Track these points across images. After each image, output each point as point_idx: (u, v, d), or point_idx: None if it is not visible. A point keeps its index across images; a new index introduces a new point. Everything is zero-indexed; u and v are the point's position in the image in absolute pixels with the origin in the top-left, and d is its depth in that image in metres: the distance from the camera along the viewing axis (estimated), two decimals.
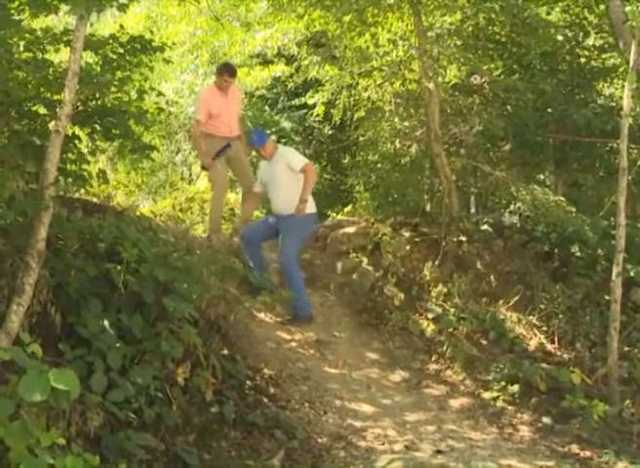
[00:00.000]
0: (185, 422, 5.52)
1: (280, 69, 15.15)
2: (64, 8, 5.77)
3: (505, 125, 10.73)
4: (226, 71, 9.49)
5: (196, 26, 14.54)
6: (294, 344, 7.93)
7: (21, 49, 6.08)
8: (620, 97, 9.45)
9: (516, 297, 9.13)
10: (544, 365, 8.03)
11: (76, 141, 6.41)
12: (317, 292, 9.04)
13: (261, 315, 8.26)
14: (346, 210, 12.18)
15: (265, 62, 15.76)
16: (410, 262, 9.51)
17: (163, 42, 6.82)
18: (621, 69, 10.42)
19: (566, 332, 8.81)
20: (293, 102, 16.70)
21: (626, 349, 8.41)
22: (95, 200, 9.29)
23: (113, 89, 6.47)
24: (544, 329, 8.88)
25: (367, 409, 6.90)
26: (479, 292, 9.29)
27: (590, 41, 11.47)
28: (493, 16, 10.64)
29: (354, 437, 6.21)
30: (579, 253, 9.52)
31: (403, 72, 10.84)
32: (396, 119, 11.10)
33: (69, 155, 6.32)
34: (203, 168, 9.71)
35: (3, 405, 3.90)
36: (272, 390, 6.64)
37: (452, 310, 8.77)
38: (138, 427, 5.03)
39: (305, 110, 14.94)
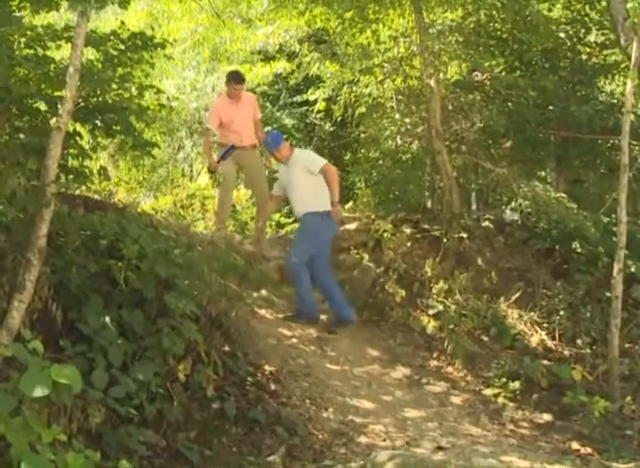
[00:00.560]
0: (186, 418, 5.53)
1: (281, 66, 15.16)
2: (65, 4, 5.77)
3: (507, 122, 10.73)
4: (233, 79, 9.54)
5: (197, 23, 14.53)
6: (295, 341, 7.93)
7: (22, 45, 6.09)
8: (622, 94, 9.45)
9: (517, 294, 9.13)
10: (545, 361, 8.05)
11: (77, 138, 6.41)
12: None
13: (262, 311, 8.27)
14: (347, 206, 12.17)
15: (267, 59, 15.76)
16: (411, 259, 9.51)
17: (164, 38, 6.83)
18: (623, 66, 10.39)
19: (567, 329, 8.81)
20: (294, 99, 16.70)
21: (627, 346, 8.42)
22: (96, 197, 9.28)
23: (114, 85, 6.47)
24: (545, 325, 8.88)
25: (368, 405, 6.90)
26: (480, 288, 9.29)
27: (592, 38, 11.45)
28: (494, 12, 10.66)
29: (355, 433, 6.21)
30: (580, 250, 9.52)
31: (404, 69, 10.84)
32: (397, 116, 11.09)
33: (70, 152, 6.32)
34: (209, 171, 9.72)
35: (5, 401, 3.91)
36: (273, 386, 6.64)
37: (453, 307, 8.76)
38: (139, 423, 5.04)
39: (307, 107, 14.94)
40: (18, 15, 5.79)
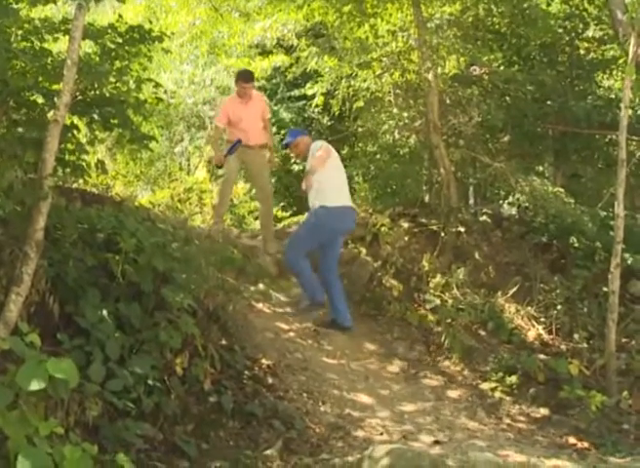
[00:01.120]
0: (184, 412, 5.53)
1: (280, 60, 15.15)
2: None
3: (504, 116, 10.75)
4: (241, 77, 9.55)
5: (195, 17, 14.52)
6: (292, 334, 7.94)
7: (20, 38, 6.07)
8: (620, 89, 9.45)
9: (514, 288, 9.13)
10: (542, 356, 8.05)
11: (75, 131, 6.40)
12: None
13: (260, 305, 8.27)
14: None
15: (264, 53, 15.75)
16: (408, 253, 9.51)
17: (162, 32, 6.82)
18: (621, 61, 10.41)
19: (564, 324, 8.81)
20: (292, 93, 16.69)
21: (624, 340, 8.42)
22: (93, 190, 9.29)
23: (112, 79, 6.46)
24: (543, 320, 8.88)
25: (365, 399, 6.91)
26: (477, 282, 9.30)
27: (590, 32, 11.47)
28: (492, 6, 10.67)
29: (352, 427, 6.22)
30: (577, 245, 9.54)
31: (402, 63, 10.85)
32: (395, 110, 11.09)
33: (68, 145, 6.31)
34: (216, 165, 9.74)
35: (2, 394, 3.90)
36: (270, 380, 6.64)
37: (450, 301, 8.77)
38: (136, 417, 5.03)
39: (305, 101, 14.94)
40: (15, 7, 5.78)
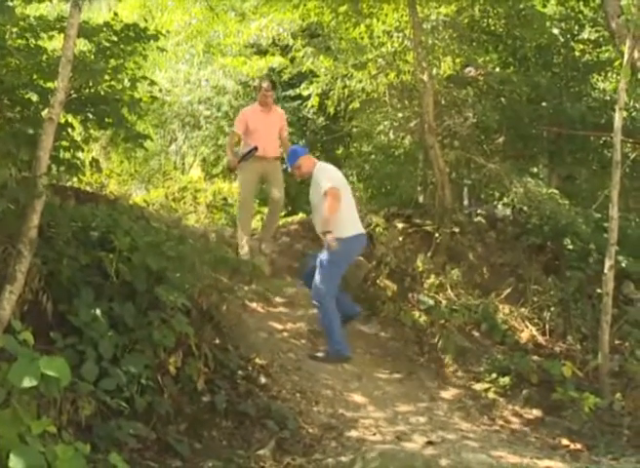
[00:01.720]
0: (177, 411, 5.53)
1: (277, 61, 15.12)
2: None
3: (499, 117, 10.75)
4: (263, 84, 9.52)
5: (191, 16, 14.52)
6: (285, 334, 7.93)
7: (14, 36, 6.07)
8: (614, 91, 9.47)
9: (508, 290, 9.15)
10: (536, 357, 8.07)
11: (69, 129, 6.39)
12: None
13: (254, 305, 8.26)
14: None
15: (260, 52, 15.73)
16: (403, 253, 9.50)
17: (157, 30, 6.82)
18: (616, 63, 10.41)
19: (557, 325, 8.83)
20: (287, 93, 16.67)
21: (617, 342, 8.43)
22: (87, 188, 9.28)
23: (107, 77, 6.47)
24: (536, 321, 8.89)
25: (358, 399, 6.90)
26: (471, 283, 9.31)
27: (585, 34, 11.49)
28: (488, 8, 10.67)
29: (345, 427, 6.21)
30: (571, 246, 9.54)
31: (397, 64, 10.84)
32: (390, 110, 11.09)
33: (62, 143, 6.31)
34: (228, 169, 9.67)
35: None
36: (264, 380, 6.63)
37: (444, 302, 8.78)
38: (129, 416, 5.03)
39: (300, 101, 14.91)
40: (10, 4, 5.77)
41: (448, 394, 7.47)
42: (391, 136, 11.57)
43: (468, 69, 11.12)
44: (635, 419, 6.97)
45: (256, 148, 9.03)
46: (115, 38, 6.41)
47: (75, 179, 8.40)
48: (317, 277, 7.58)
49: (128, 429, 4.94)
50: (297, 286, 8.94)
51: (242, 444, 5.60)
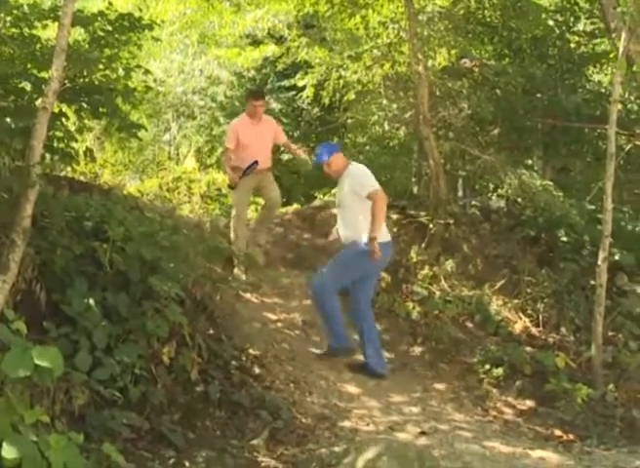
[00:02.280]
0: (170, 401, 5.52)
1: (271, 50, 15.10)
2: None
3: (494, 109, 10.75)
4: (251, 95, 9.34)
5: (186, 6, 14.46)
6: (279, 325, 7.93)
7: (8, 24, 6.05)
8: (610, 83, 9.46)
9: (502, 281, 9.16)
10: (529, 348, 8.07)
11: (63, 119, 6.38)
12: (303, 273, 9.03)
13: (247, 295, 8.26)
14: (334, 191, 12.14)
15: (255, 43, 15.71)
16: (397, 244, 9.49)
17: (152, 20, 6.81)
18: (611, 55, 10.41)
19: (551, 316, 8.84)
20: (282, 83, 16.66)
21: (611, 334, 8.44)
22: (81, 178, 9.26)
23: (101, 66, 6.45)
24: (530, 312, 8.90)
25: (352, 389, 6.91)
26: (465, 275, 9.32)
27: (581, 26, 11.48)
28: None
29: (339, 417, 6.23)
30: (565, 238, 9.54)
31: (393, 55, 10.82)
32: (385, 101, 11.07)
33: (56, 133, 6.30)
34: (230, 186, 9.29)
35: None
36: (257, 370, 6.64)
37: (438, 293, 8.79)
38: (122, 406, 5.03)
39: (294, 92, 14.91)
40: None
41: (441, 385, 7.49)
42: (386, 127, 11.55)
43: (464, 61, 11.11)
44: (628, 410, 7.00)
45: (256, 162, 8.74)
46: (110, 27, 6.40)
47: (69, 169, 8.38)
48: (329, 270, 7.34)
49: (121, 419, 4.93)
50: (291, 276, 8.96)
51: (236, 434, 5.60)
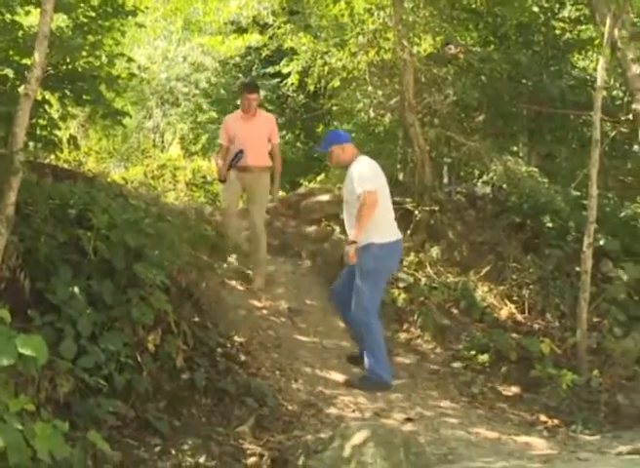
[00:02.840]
0: (156, 389, 5.51)
1: (255, 39, 15.02)
2: None
3: (480, 95, 10.75)
4: (244, 87, 9.04)
5: None
6: (265, 312, 7.93)
7: None
8: (594, 70, 9.47)
9: (487, 267, 9.17)
10: (514, 334, 8.10)
11: (46, 106, 6.34)
12: (289, 260, 9.05)
13: (233, 282, 8.25)
14: (319, 178, 12.16)
15: (239, 30, 15.64)
16: None
17: (136, 6, 6.77)
18: (596, 42, 10.41)
19: (536, 303, 8.86)
20: (267, 70, 16.61)
21: (596, 320, 8.47)
22: (65, 166, 9.21)
23: (84, 53, 6.41)
24: (515, 299, 8.92)
25: (338, 377, 6.92)
26: (451, 261, 9.34)
27: (566, 13, 11.47)
28: None
29: (324, 404, 6.24)
30: (550, 224, 9.56)
31: (378, 41, 10.78)
32: (370, 88, 11.06)
33: (40, 120, 6.26)
34: (219, 180, 9.00)
35: None
36: (243, 357, 6.64)
37: (423, 279, 8.80)
38: (108, 394, 5.01)
39: (279, 79, 14.86)
40: None
41: (427, 371, 7.50)
42: (371, 114, 11.54)
43: (449, 47, 11.10)
44: (612, 396, 7.04)
45: (241, 151, 8.31)
46: (93, 13, 6.35)
47: (53, 157, 8.34)
48: (360, 293, 6.81)
49: (107, 407, 4.92)
50: (276, 263, 8.95)
51: (221, 421, 5.61)
